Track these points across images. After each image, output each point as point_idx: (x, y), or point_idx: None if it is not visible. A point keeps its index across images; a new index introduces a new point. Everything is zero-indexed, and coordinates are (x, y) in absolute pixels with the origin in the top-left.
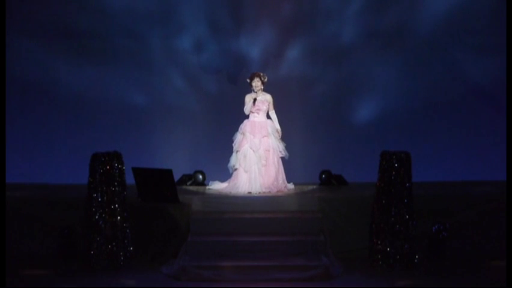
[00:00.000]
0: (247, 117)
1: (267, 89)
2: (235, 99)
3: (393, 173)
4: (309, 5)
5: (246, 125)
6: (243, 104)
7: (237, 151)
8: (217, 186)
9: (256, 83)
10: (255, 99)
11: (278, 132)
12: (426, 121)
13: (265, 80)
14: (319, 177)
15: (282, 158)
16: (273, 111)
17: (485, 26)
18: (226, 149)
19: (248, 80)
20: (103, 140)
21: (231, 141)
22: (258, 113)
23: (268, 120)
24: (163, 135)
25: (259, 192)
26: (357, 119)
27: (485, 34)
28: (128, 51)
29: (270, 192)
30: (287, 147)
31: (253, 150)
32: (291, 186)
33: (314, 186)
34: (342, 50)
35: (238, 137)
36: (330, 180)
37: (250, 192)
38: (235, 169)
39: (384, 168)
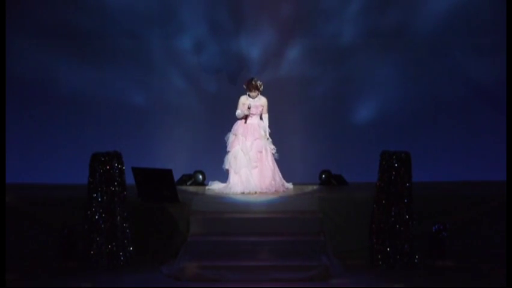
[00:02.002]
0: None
1: (266, 89)
2: (235, 99)
3: (393, 173)
4: (309, 5)
5: (239, 126)
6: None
7: (228, 151)
8: (215, 186)
9: (253, 94)
10: (246, 116)
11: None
12: (426, 121)
13: (262, 88)
14: (319, 177)
15: (282, 158)
16: (267, 114)
17: (485, 26)
18: (226, 149)
19: (244, 86)
20: (103, 140)
21: None
22: (251, 116)
23: (261, 122)
24: (163, 135)
25: (256, 192)
26: (357, 119)
27: (485, 34)
28: (128, 51)
29: (266, 192)
30: (287, 147)
31: (244, 153)
32: (289, 185)
33: (314, 186)
34: (342, 50)
35: (230, 137)
36: (330, 180)
37: (243, 193)
38: (227, 170)
39: (384, 168)
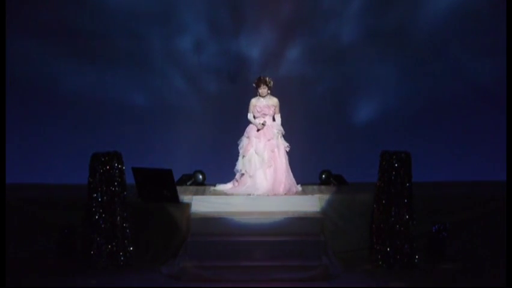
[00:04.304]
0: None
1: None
2: (236, 99)
3: (393, 173)
4: (309, 5)
5: (251, 129)
6: (242, 103)
7: (243, 156)
8: (221, 188)
9: (263, 90)
10: (263, 124)
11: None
12: (426, 121)
13: (271, 84)
14: (319, 177)
15: None
16: (279, 114)
17: (485, 26)
18: (226, 149)
19: (254, 85)
20: (103, 140)
21: (231, 141)
22: (264, 117)
23: (274, 123)
24: (163, 135)
25: (258, 195)
26: (357, 119)
27: (485, 34)
28: (128, 51)
29: (272, 194)
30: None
31: (258, 155)
32: (299, 188)
33: (314, 186)
34: (342, 50)
35: (243, 141)
36: (330, 180)
37: (249, 194)
38: (242, 174)
39: (384, 168)
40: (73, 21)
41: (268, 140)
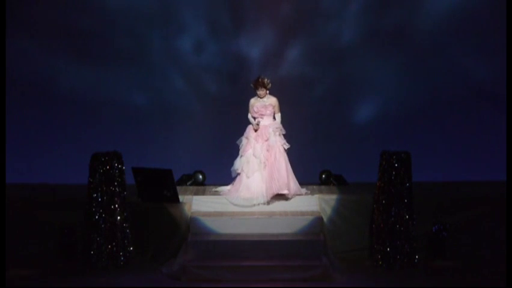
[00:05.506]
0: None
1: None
2: (235, 99)
3: (393, 172)
4: (309, 5)
5: (250, 130)
6: (242, 103)
7: (241, 156)
8: (221, 188)
9: (261, 92)
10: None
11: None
12: (426, 121)
13: (270, 86)
14: (319, 177)
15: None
16: (279, 114)
17: (485, 26)
18: (226, 149)
19: (252, 86)
20: (103, 140)
21: (231, 142)
22: (262, 118)
23: (272, 123)
24: (163, 135)
25: (259, 204)
26: (357, 119)
27: (485, 34)
28: (128, 51)
29: (270, 194)
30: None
31: (256, 156)
32: (303, 191)
33: (314, 186)
34: (342, 50)
35: (243, 141)
36: (330, 180)
37: (251, 203)
38: (238, 173)
39: (384, 168)
40: (72, 21)
41: (266, 140)
